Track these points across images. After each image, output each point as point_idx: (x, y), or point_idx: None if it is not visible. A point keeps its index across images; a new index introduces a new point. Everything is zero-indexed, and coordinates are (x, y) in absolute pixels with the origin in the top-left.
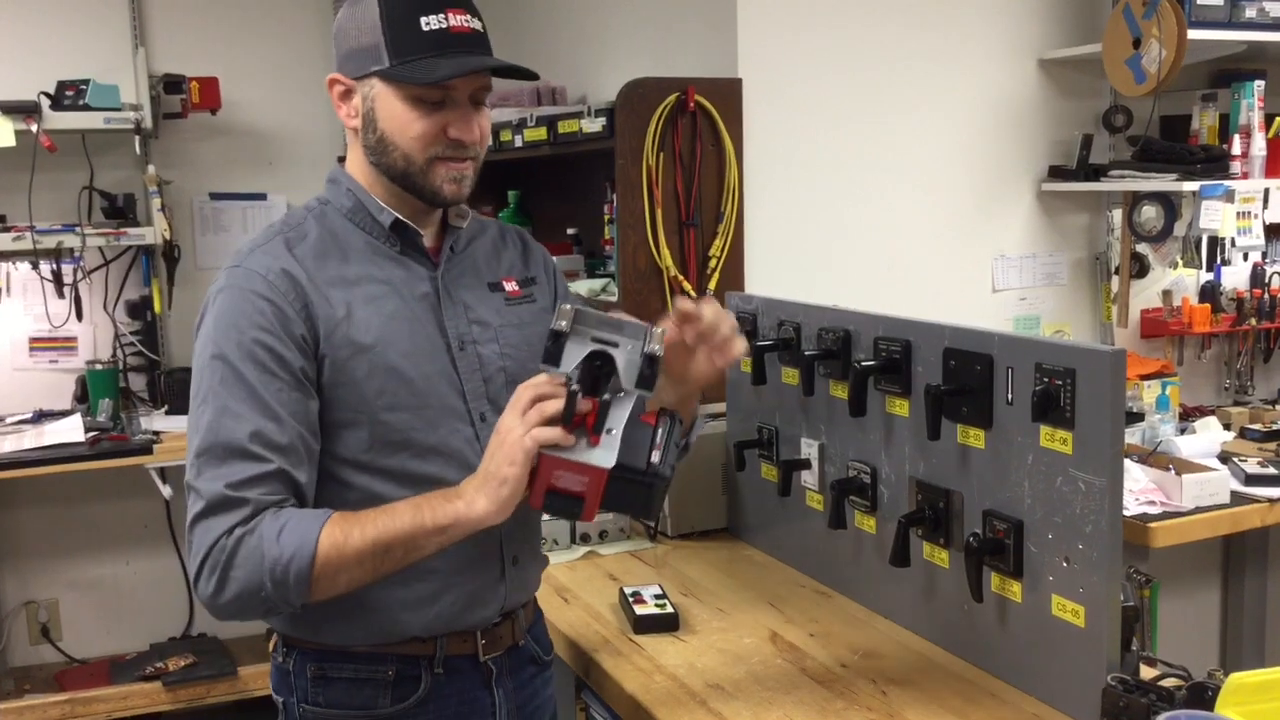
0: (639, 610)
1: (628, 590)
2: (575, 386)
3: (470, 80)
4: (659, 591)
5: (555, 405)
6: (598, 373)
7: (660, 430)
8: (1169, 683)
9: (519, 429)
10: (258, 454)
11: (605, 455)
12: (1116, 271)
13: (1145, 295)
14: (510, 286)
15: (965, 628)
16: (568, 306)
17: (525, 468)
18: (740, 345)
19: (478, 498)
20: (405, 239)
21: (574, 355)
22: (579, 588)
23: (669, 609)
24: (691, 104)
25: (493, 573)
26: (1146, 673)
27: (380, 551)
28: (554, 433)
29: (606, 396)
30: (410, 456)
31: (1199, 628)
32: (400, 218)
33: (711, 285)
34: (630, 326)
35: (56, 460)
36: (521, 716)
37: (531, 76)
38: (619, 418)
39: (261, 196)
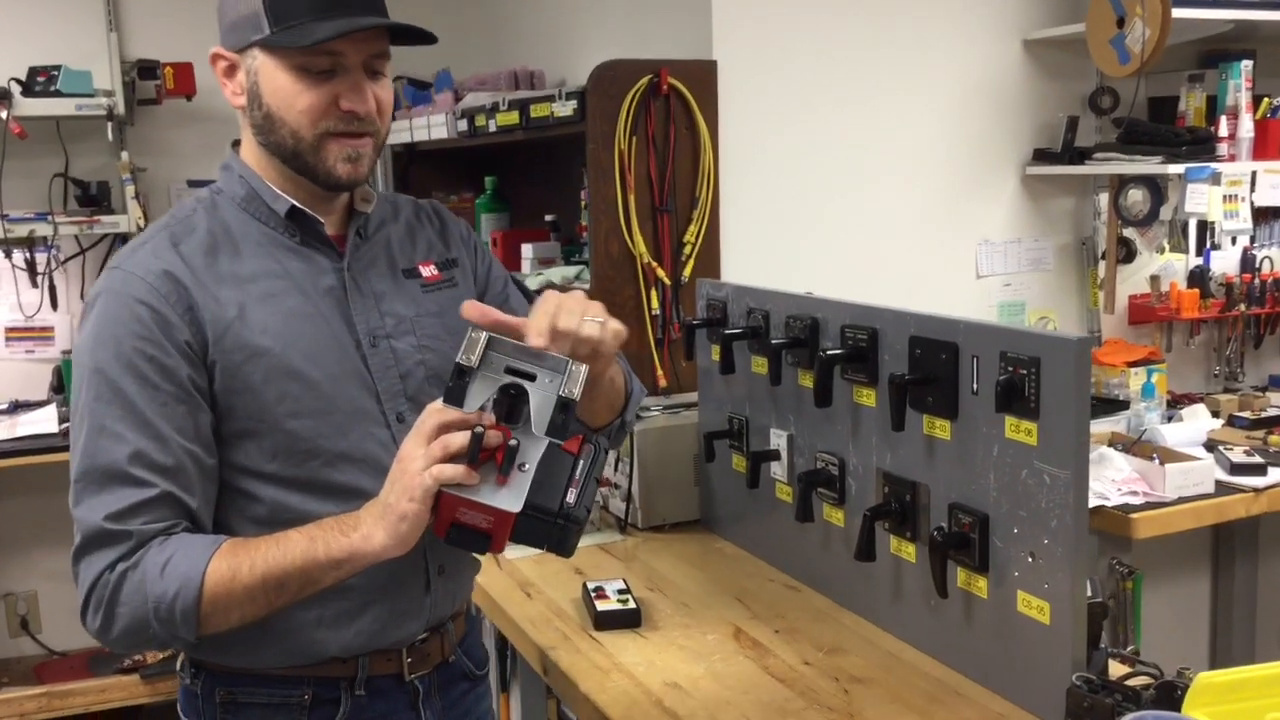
0: (600, 606)
1: (590, 585)
2: (481, 427)
3: (362, 46)
4: (622, 586)
5: (461, 439)
6: (512, 401)
7: (580, 464)
8: (1138, 681)
9: (419, 461)
10: (139, 478)
11: (512, 498)
12: (1103, 256)
13: (1133, 281)
14: (428, 271)
15: (931, 624)
16: (479, 335)
17: (425, 504)
18: (609, 330)
19: (376, 530)
20: (305, 228)
21: (481, 392)
22: (543, 582)
23: (631, 604)
24: (665, 87)
25: (416, 585)
26: (1117, 670)
27: (273, 587)
28: (456, 471)
29: (521, 424)
30: (321, 465)
31: (1188, 619)
32: (297, 205)
33: (686, 272)
34: (550, 359)
35: (32, 451)
36: None
37: (429, 39)
38: (533, 453)
39: None
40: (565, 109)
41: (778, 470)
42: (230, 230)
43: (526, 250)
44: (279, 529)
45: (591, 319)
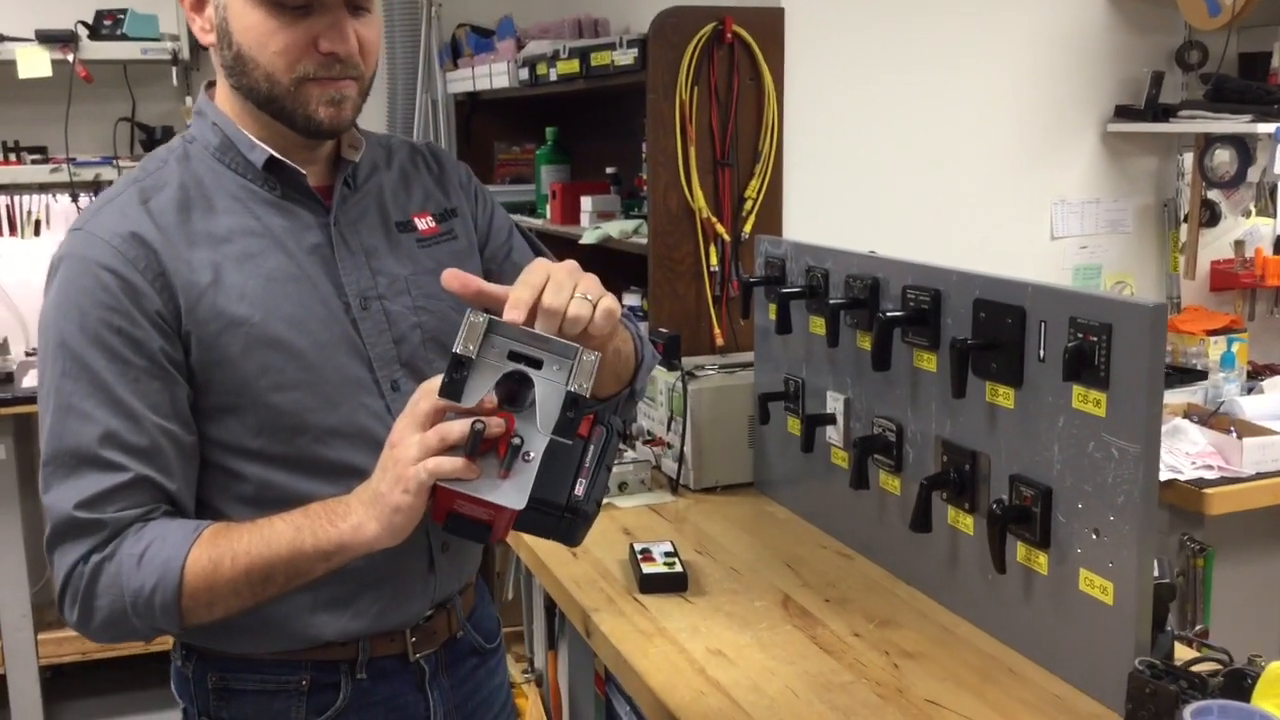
0: (646, 569)
1: (637, 547)
2: (481, 422)
3: None
4: (670, 549)
5: (459, 430)
6: (516, 384)
7: (590, 450)
8: (1205, 667)
9: (413, 449)
10: (111, 461)
11: (515, 493)
12: (1185, 219)
13: (1216, 245)
14: (424, 224)
15: (988, 599)
16: (479, 320)
17: (421, 497)
18: (601, 310)
19: (368, 520)
20: (285, 180)
21: (482, 383)
22: (590, 542)
23: (678, 568)
24: (729, 35)
25: (419, 564)
26: (1183, 654)
27: (258, 580)
28: (455, 465)
29: (528, 406)
30: (310, 441)
31: (1260, 600)
32: (275, 155)
33: (746, 229)
34: (558, 344)
35: None
36: (461, 716)
37: None
38: (538, 441)
39: None
40: (626, 57)
41: (833, 434)
42: (203, 183)
43: (585, 203)
44: (269, 508)
45: (582, 296)
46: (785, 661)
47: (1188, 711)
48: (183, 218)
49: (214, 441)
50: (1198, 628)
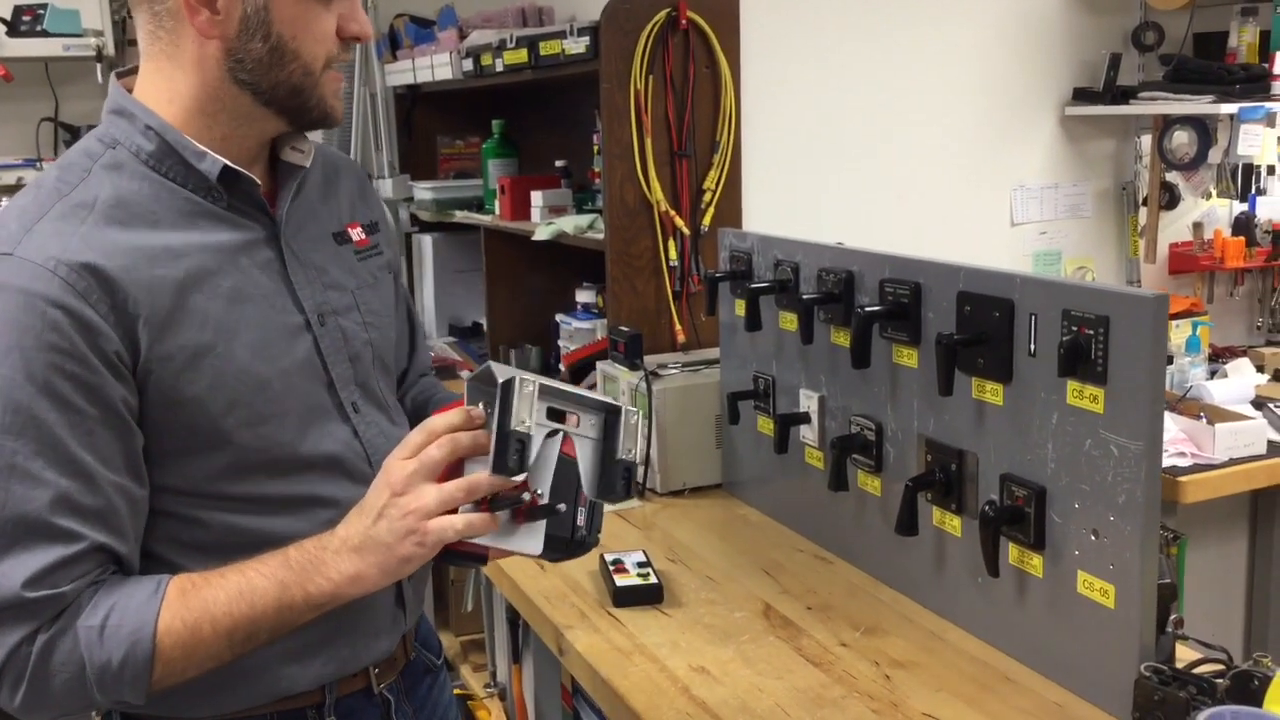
0: (619, 581)
1: (609, 557)
2: (528, 493)
3: None
4: (643, 559)
5: (490, 485)
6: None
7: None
8: (1207, 669)
9: (430, 502)
10: (65, 530)
11: (533, 541)
12: (1144, 202)
13: (1174, 228)
14: (356, 235)
15: (979, 603)
16: (528, 387)
17: (436, 550)
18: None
19: (367, 571)
20: (233, 190)
21: (536, 452)
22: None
23: (652, 579)
24: (684, 21)
25: (388, 600)
26: (1182, 654)
27: (241, 640)
28: (486, 524)
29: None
30: (277, 476)
31: (1225, 585)
32: (230, 164)
33: (706, 221)
34: (591, 401)
35: None
36: None
37: None
38: (544, 479)
39: None
40: (577, 46)
41: (808, 434)
42: (140, 196)
43: (536, 198)
44: (230, 555)
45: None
46: (772, 677)
47: (1200, 719)
48: (127, 236)
49: (168, 489)
50: (1173, 617)
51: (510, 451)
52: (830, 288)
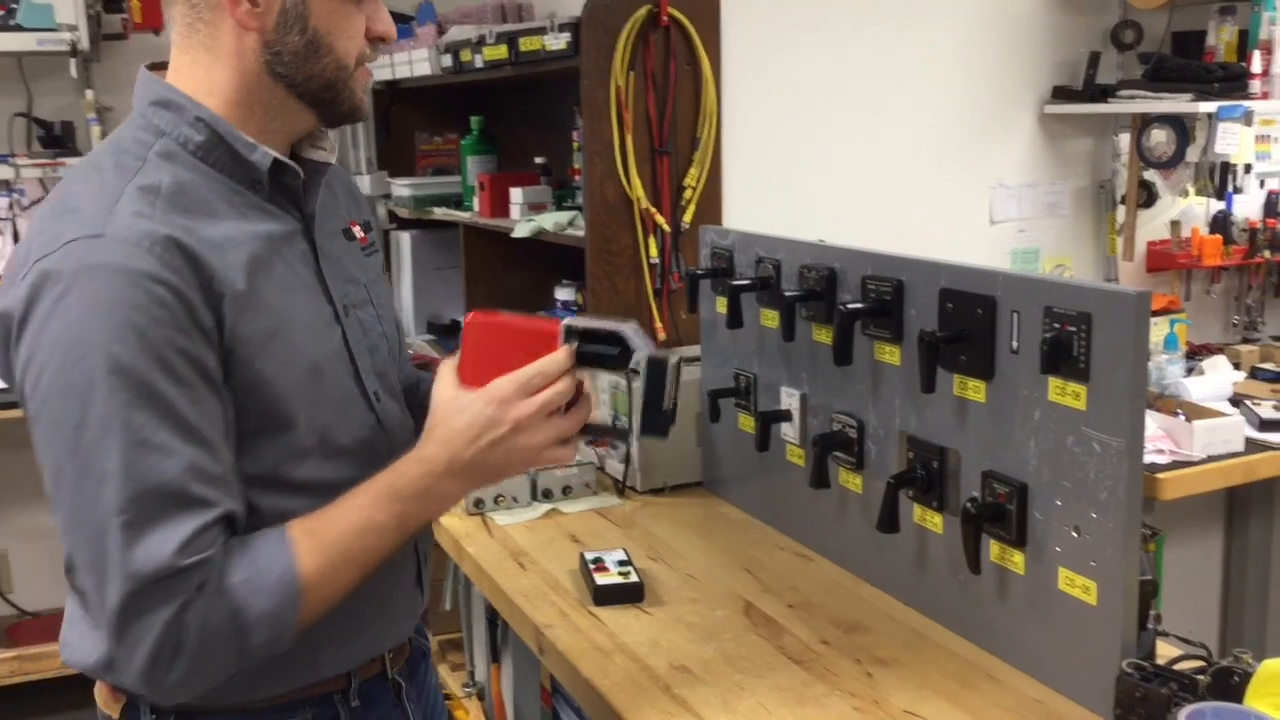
0: (600, 580)
1: (589, 556)
2: (621, 421)
3: None
4: (623, 557)
5: (570, 423)
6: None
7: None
8: (1188, 665)
9: (551, 438)
10: (200, 497)
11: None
12: (1122, 201)
13: (1152, 226)
14: (358, 232)
15: (960, 601)
16: (674, 358)
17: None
18: None
19: (464, 492)
20: (274, 183)
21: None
22: (537, 551)
23: (633, 578)
24: (665, 18)
25: (408, 580)
26: (1162, 651)
27: (366, 573)
28: (566, 454)
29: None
30: (320, 461)
31: (1201, 581)
32: (279, 156)
33: (686, 218)
34: (634, 338)
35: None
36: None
37: None
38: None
39: None
40: (558, 42)
41: (789, 432)
42: (195, 185)
43: (515, 194)
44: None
45: None
46: (754, 675)
47: (1182, 715)
48: (194, 223)
49: (240, 475)
50: (1152, 613)
51: (662, 424)
52: (812, 285)
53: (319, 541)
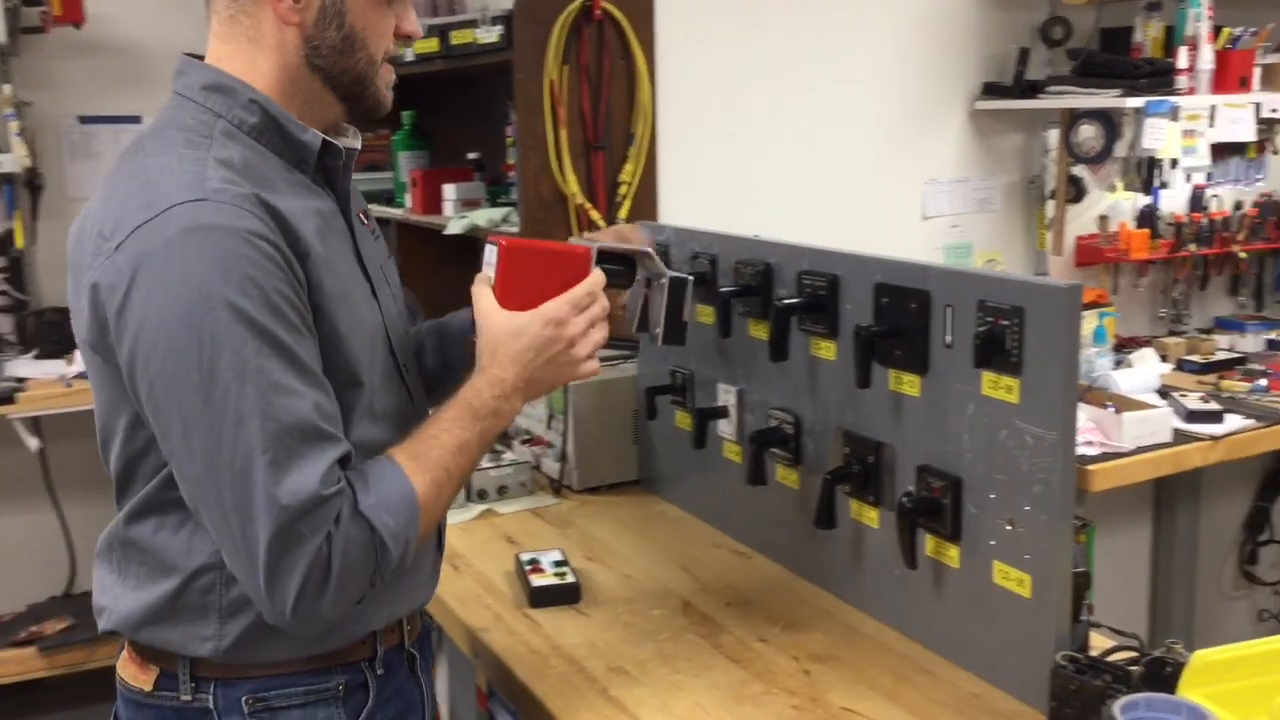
0: (535, 581)
1: (524, 557)
2: (657, 337)
3: None
4: (559, 558)
5: (603, 335)
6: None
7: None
8: (1121, 656)
9: (595, 347)
10: (329, 433)
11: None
12: (1052, 196)
13: (1081, 221)
14: (362, 218)
15: (897, 596)
16: (692, 282)
17: None
18: None
19: (523, 401)
20: (321, 164)
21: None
22: (472, 553)
23: (569, 578)
24: (598, 11)
25: (431, 539)
26: (1095, 642)
27: (460, 487)
28: (597, 366)
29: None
30: (369, 424)
31: (1129, 570)
32: (327, 138)
33: (622, 214)
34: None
35: None
36: (432, 698)
37: None
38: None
39: (135, 119)
40: (490, 35)
41: (726, 429)
42: (255, 162)
43: (448, 191)
44: None
45: None
46: (692, 675)
47: (1116, 708)
48: (267, 192)
49: None
50: (1085, 604)
51: (681, 334)
52: (748, 280)
53: (424, 463)
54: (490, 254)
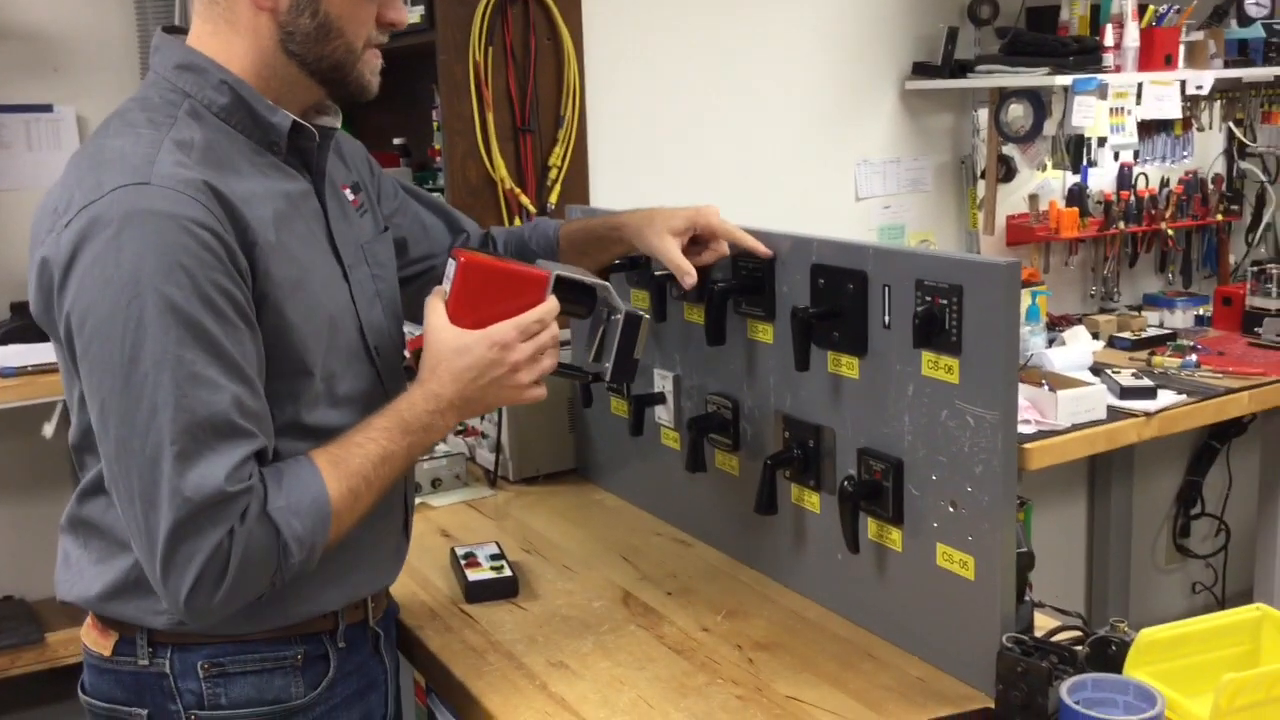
0: (472, 575)
1: (460, 551)
2: (605, 372)
3: None
4: (496, 551)
5: (550, 364)
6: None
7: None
8: (1066, 636)
9: (540, 374)
10: (245, 429)
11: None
12: (982, 175)
13: (1011, 200)
14: (349, 195)
15: (839, 580)
16: (647, 316)
17: None
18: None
19: (457, 419)
20: (291, 144)
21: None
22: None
23: (506, 572)
24: None
25: (397, 525)
26: (1039, 622)
27: (380, 499)
28: (543, 392)
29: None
30: (327, 408)
31: (1067, 545)
32: (298, 119)
33: (552, 199)
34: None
35: None
36: (397, 678)
37: None
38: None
39: (47, 108)
40: (411, 15)
41: (663, 415)
42: (221, 144)
43: None
44: None
45: None
46: (634, 668)
47: (1063, 689)
48: (224, 176)
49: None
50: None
51: (631, 370)
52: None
53: (344, 470)
54: (450, 268)
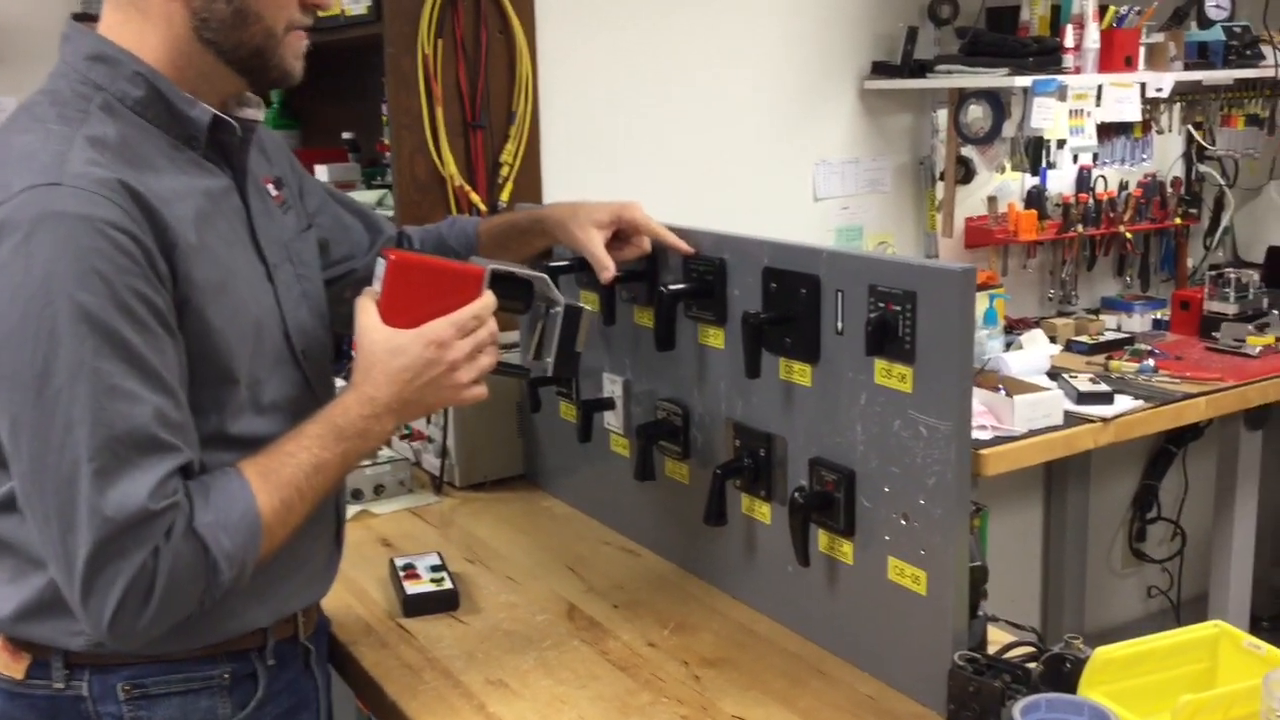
0: (410, 588)
1: (399, 562)
2: (547, 368)
3: None
4: (437, 562)
5: (490, 361)
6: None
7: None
8: (1019, 652)
9: (478, 373)
10: (168, 443)
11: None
12: (941, 177)
13: (970, 202)
14: (273, 190)
15: (790, 594)
16: (591, 310)
17: None
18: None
19: (395, 423)
20: (213, 139)
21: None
22: (344, 559)
23: (447, 584)
24: None
25: (328, 537)
26: (992, 636)
27: (314, 509)
28: (484, 391)
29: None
30: (253, 416)
31: (1022, 550)
32: (218, 113)
33: (504, 196)
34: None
35: None
36: (328, 692)
37: None
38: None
39: None
40: (358, 7)
41: (612, 421)
42: (136, 139)
43: (321, 172)
44: None
45: None
46: (575, 686)
47: (1016, 710)
48: (141, 174)
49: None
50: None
51: (573, 365)
52: (633, 265)
53: (274, 482)
54: (379, 268)
